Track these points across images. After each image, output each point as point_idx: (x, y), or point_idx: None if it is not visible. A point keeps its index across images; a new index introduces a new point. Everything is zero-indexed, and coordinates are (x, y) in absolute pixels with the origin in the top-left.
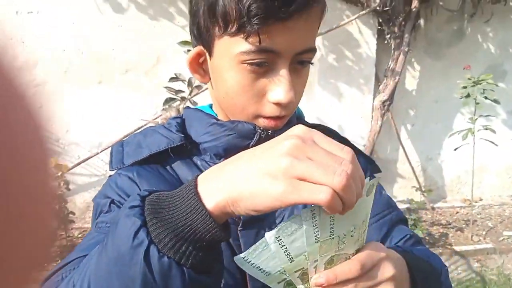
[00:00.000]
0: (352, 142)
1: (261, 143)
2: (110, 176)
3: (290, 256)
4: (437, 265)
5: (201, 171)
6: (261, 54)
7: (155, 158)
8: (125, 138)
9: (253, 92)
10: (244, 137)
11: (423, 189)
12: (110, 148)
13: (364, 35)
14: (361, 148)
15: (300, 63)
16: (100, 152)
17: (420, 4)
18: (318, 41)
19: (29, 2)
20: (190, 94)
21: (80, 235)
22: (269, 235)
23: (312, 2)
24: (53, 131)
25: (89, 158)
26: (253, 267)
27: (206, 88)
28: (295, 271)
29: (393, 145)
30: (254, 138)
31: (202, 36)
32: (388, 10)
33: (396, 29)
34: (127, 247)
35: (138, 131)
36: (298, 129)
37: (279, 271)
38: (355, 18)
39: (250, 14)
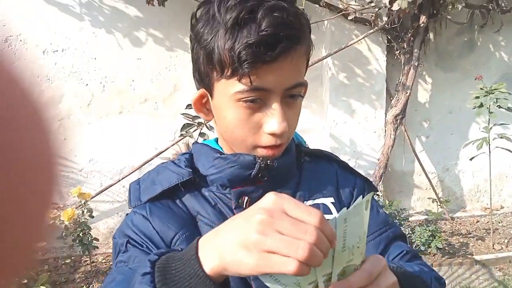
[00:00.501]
0: (366, 157)
1: (261, 172)
2: (127, 214)
3: None
4: (427, 278)
5: (209, 202)
6: (254, 92)
7: (167, 193)
8: (141, 173)
9: (250, 126)
10: (246, 167)
11: (440, 200)
12: (129, 183)
13: (374, 52)
14: (375, 162)
15: (291, 97)
16: (122, 179)
17: (428, 19)
18: (329, 61)
19: (54, 42)
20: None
21: (103, 260)
22: None
23: (296, 45)
24: (76, 161)
25: (111, 185)
26: (274, 279)
27: None
28: (309, 284)
29: (408, 158)
30: (255, 168)
31: (203, 80)
32: (397, 27)
33: (405, 45)
34: None
35: (152, 169)
36: (267, 201)
37: (294, 283)
38: (364, 37)
39: (241, 60)
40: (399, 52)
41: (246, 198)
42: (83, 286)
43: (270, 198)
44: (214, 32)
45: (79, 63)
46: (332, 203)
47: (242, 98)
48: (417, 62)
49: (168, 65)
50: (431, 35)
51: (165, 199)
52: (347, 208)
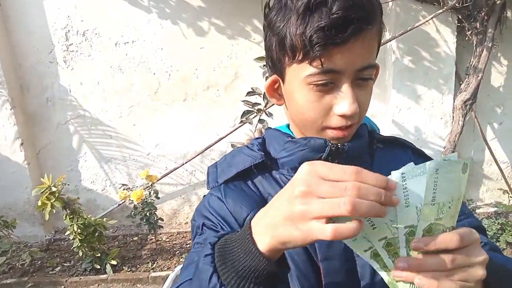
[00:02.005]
0: (431, 144)
1: (331, 156)
2: (204, 195)
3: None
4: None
5: (279, 184)
6: (325, 75)
7: (241, 176)
8: (203, 158)
9: (320, 108)
10: (317, 150)
11: None
12: (194, 167)
13: (443, 34)
14: (441, 150)
15: (361, 79)
16: (185, 163)
17: None
18: (393, 45)
19: (125, 34)
20: (265, 106)
21: (167, 240)
22: None
23: (366, 26)
24: (144, 145)
25: (175, 169)
26: (348, 241)
27: None
28: (379, 240)
29: (478, 146)
30: (325, 151)
31: (275, 66)
32: (468, 6)
33: (478, 25)
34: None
35: (228, 153)
36: (302, 171)
37: (364, 237)
38: (432, 18)
39: (312, 43)
40: (471, 32)
41: None
42: (148, 263)
43: (304, 168)
44: (286, 19)
45: (147, 54)
46: None
47: (313, 82)
48: (491, 43)
49: (230, 53)
50: (508, 13)
51: (239, 181)
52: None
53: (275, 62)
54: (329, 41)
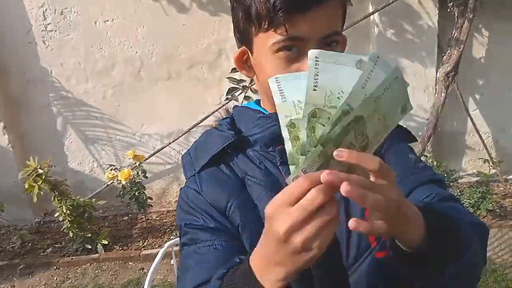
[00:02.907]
0: (415, 117)
1: None
2: (181, 188)
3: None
4: (455, 216)
5: (254, 161)
6: (289, 42)
7: (215, 160)
8: (190, 136)
9: None
10: None
11: (493, 161)
12: (178, 148)
13: (425, 6)
14: (425, 122)
15: (327, 44)
16: (172, 142)
17: None
18: (376, 17)
19: (105, 12)
20: (251, 82)
21: (157, 218)
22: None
23: None
24: (130, 125)
25: (162, 148)
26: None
27: None
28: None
29: (460, 117)
30: None
31: (243, 37)
32: None
33: None
34: None
35: (197, 139)
36: (271, 215)
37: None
38: None
39: (276, 10)
40: (453, 4)
41: None
42: (139, 241)
43: (268, 207)
44: None
45: (128, 32)
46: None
47: (279, 49)
48: (472, 14)
49: (212, 30)
50: None
51: (213, 167)
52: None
53: (242, 33)
54: (291, 7)
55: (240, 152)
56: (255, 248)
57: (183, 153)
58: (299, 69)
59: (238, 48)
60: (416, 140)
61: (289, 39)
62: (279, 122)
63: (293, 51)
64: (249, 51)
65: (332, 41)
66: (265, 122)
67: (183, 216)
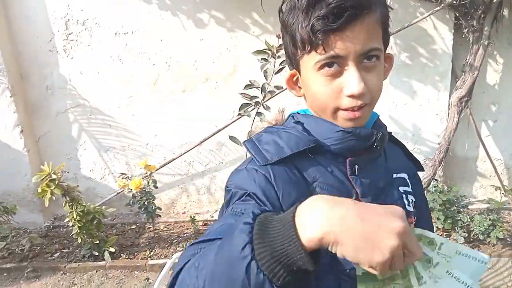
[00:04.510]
0: (427, 141)
1: (376, 142)
2: (240, 168)
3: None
4: None
5: (326, 168)
6: (329, 60)
7: (282, 159)
8: (201, 148)
9: (331, 91)
10: (365, 139)
11: (505, 188)
12: (204, 158)
13: (440, 31)
14: (436, 146)
15: (367, 61)
16: (183, 154)
17: None
18: (391, 40)
19: (125, 24)
20: (263, 99)
21: (165, 228)
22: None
23: (361, 11)
24: (143, 135)
25: (173, 159)
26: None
27: (277, 94)
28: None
29: (472, 143)
30: (371, 139)
31: (292, 61)
32: (466, 4)
33: (474, 23)
34: (236, 255)
35: (263, 131)
36: (403, 219)
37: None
38: (429, 15)
39: (314, 32)
40: (468, 30)
41: (357, 166)
42: (146, 251)
43: (404, 218)
44: (296, 18)
45: (147, 44)
46: (406, 178)
47: (320, 66)
48: (487, 41)
49: (229, 46)
50: (505, 11)
51: (282, 165)
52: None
53: (291, 57)
54: (327, 28)
55: (310, 158)
56: (305, 204)
57: (245, 141)
58: (341, 84)
59: (290, 70)
60: (423, 170)
61: (329, 57)
62: (356, 138)
63: (334, 67)
64: (297, 73)
65: (372, 56)
66: (344, 136)
67: (245, 190)
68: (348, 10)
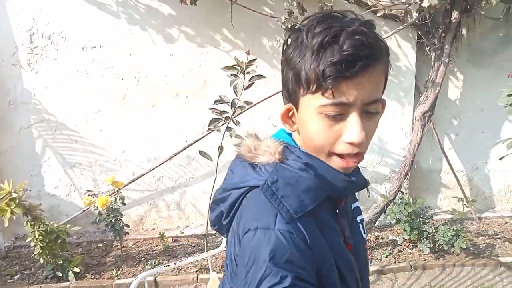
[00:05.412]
0: (392, 154)
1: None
2: (265, 227)
3: None
4: None
5: (325, 211)
6: (336, 106)
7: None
8: (172, 164)
9: (330, 135)
10: (360, 187)
11: (467, 199)
12: (173, 173)
13: (403, 48)
14: (402, 159)
15: (369, 112)
16: (152, 169)
17: (461, 15)
18: None
19: (93, 38)
20: (233, 114)
21: (133, 246)
22: None
23: (373, 62)
24: (111, 151)
25: (142, 175)
26: None
27: (247, 109)
28: None
29: (435, 156)
30: (364, 187)
31: (291, 96)
32: (427, 23)
33: (436, 41)
34: None
35: (278, 172)
36: None
37: None
38: (393, 33)
39: (325, 76)
40: (430, 48)
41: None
42: (113, 269)
43: None
44: (302, 55)
45: (115, 59)
46: (359, 206)
47: (325, 112)
48: (447, 59)
49: (199, 61)
50: (463, 31)
51: (305, 217)
52: None
53: (291, 93)
54: (339, 74)
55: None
56: None
57: (262, 187)
58: (341, 130)
59: (284, 104)
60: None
61: (335, 104)
62: (355, 185)
63: (336, 118)
64: (295, 108)
65: (374, 110)
66: (347, 185)
67: (289, 272)
68: (362, 60)
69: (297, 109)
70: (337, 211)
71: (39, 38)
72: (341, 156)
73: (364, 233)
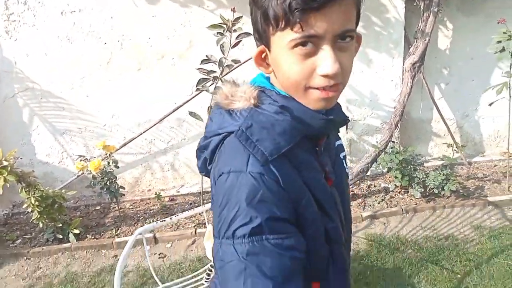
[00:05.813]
0: (383, 106)
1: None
2: (237, 170)
3: None
4: None
5: (304, 152)
6: (305, 39)
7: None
8: (162, 126)
9: (304, 69)
10: (340, 124)
11: (457, 145)
12: (165, 136)
13: (392, 0)
14: (392, 111)
15: (341, 42)
16: (143, 132)
17: None
18: None
19: (71, 2)
20: (221, 73)
21: (130, 207)
22: None
23: None
24: (100, 116)
25: (133, 139)
26: None
27: (235, 68)
28: None
29: (426, 105)
30: (344, 125)
31: (261, 37)
32: None
33: None
34: None
35: (249, 119)
36: None
37: None
38: None
39: (292, 10)
40: None
41: (322, 147)
42: (112, 229)
43: None
44: None
45: (97, 23)
46: (342, 143)
47: (295, 44)
48: (437, 8)
49: (183, 21)
50: None
51: (280, 159)
52: None
53: (261, 33)
54: (306, 6)
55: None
56: None
57: (236, 133)
58: (314, 63)
59: (257, 46)
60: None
61: (305, 37)
62: (333, 123)
63: (308, 47)
64: (267, 49)
65: (347, 36)
66: (325, 124)
67: (267, 214)
68: None
69: (269, 49)
70: (317, 149)
71: (15, 4)
72: (319, 89)
73: (346, 168)
